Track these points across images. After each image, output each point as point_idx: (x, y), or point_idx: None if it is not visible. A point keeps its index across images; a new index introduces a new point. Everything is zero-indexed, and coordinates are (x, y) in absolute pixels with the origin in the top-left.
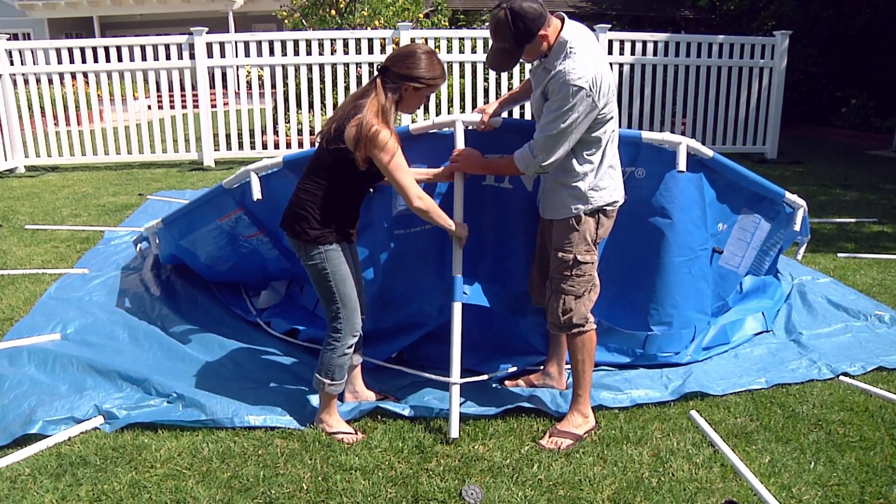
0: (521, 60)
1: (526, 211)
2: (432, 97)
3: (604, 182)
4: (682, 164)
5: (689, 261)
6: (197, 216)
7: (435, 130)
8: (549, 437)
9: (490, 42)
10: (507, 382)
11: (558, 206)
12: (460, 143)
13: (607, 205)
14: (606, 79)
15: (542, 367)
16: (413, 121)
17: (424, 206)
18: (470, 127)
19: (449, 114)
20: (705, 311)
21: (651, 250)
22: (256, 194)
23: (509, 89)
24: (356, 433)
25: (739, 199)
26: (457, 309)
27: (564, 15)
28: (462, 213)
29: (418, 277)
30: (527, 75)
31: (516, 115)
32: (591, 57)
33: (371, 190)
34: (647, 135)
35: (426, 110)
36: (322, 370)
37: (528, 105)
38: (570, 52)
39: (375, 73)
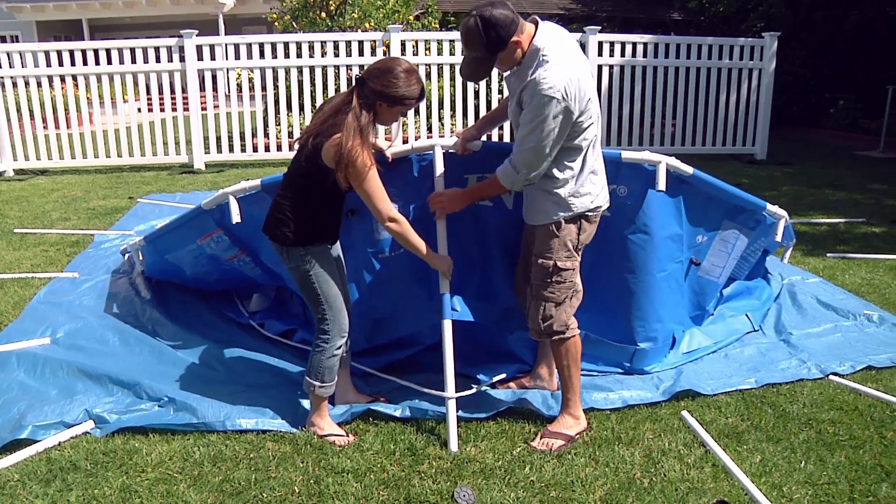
0: (496, 68)
1: (507, 228)
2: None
3: (585, 188)
4: (661, 183)
5: (668, 275)
6: (178, 236)
7: (414, 155)
8: (541, 438)
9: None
10: (498, 385)
11: (539, 211)
12: (439, 167)
13: (589, 210)
14: (583, 86)
15: (531, 370)
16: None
17: (398, 228)
18: (450, 151)
19: (439, 116)
20: (682, 320)
21: (634, 267)
22: (235, 217)
23: (500, 91)
24: (347, 435)
25: (719, 211)
26: (447, 326)
27: (538, 19)
28: (446, 243)
29: (408, 298)
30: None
31: (495, 137)
32: (564, 64)
33: (349, 213)
34: (627, 154)
35: (416, 113)
36: (312, 373)
37: (507, 126)
38: (543, 59)
39: (354, 82)
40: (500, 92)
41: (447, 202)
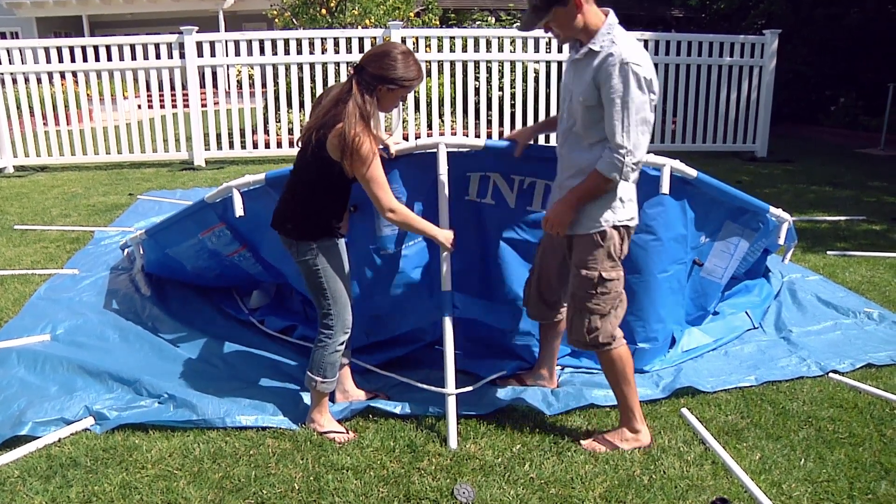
0: (552, 33)
1: (508, 226)
2: (423, 96)
3: (629, 194)
4: (665, 186)
5: (671, 275)
6: (179, 230)
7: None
8: (592, 439)
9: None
10: (498, 382)
11: (584, 218)
12: (443, 166)
13: (630, 219)
14: (654, 73)
15: (533, 368)
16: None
17: (398, 217)
18: (451, 149)
19: (440, 114)
20: (681, 320)
21: (636, 267)
22: (239, 211)
23: (500, 89)
24: (348, 432)
25: (722, 212)
26: (447, 323)
27: (611, 10)
28: (448, 223)
29: (409, 296)
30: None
31: (495, 136)
32: (639, 45)
33: (352, 208)
34: None
35: (417, 110)
36: (313, 368)
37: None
38: (617, 36)
39: (351, 70)
40: (501, 89)
41: (561, 216)
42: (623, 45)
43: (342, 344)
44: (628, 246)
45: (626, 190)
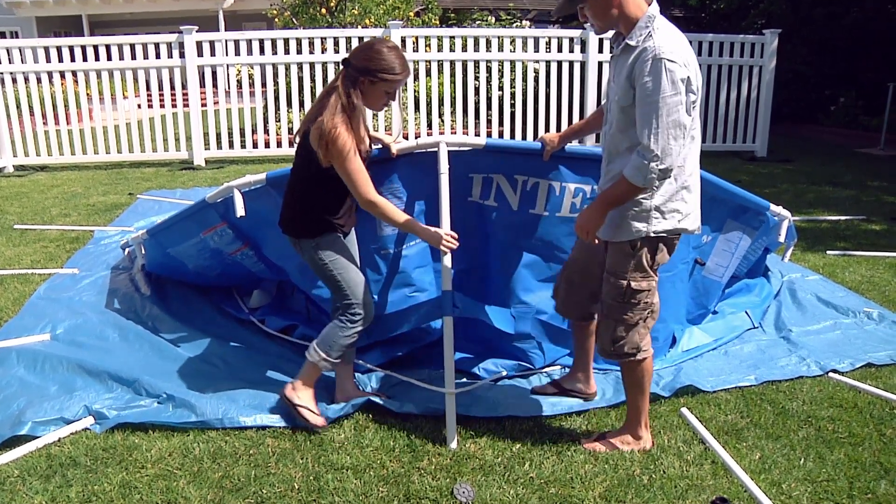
0: (587, 23)
1: (508, 227)
2: (423, 95)
3: (672, 204)
4: None
5: (674, 275)
6: (181, 230)
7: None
8: (595, 439)
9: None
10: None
11: (615, 225)
12: (444, 165)
13: (667, 231)
14: (696, 66)
15: (569, 373)
16: (386, 125)
17: (377, 211)
18: (452, 148)
19: (440, 113)
20: (682, 319)
21: None
22: (240, 211)
23: (500, 88)
24: (320, 415)
25: (723, 210)
26: (448, 323)
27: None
28: (448, 224)
29: (410, 296)
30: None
31: (495, 134)
32: (678, 35)
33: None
34: None
35: (416, 109)
36: (321, 342)
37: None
38: (657, 29)
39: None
40: (501, 89)
41: (588, 221)
42: (660, 38)
43: (358, 332)
44: (667, 256)
45: (670, 200)
